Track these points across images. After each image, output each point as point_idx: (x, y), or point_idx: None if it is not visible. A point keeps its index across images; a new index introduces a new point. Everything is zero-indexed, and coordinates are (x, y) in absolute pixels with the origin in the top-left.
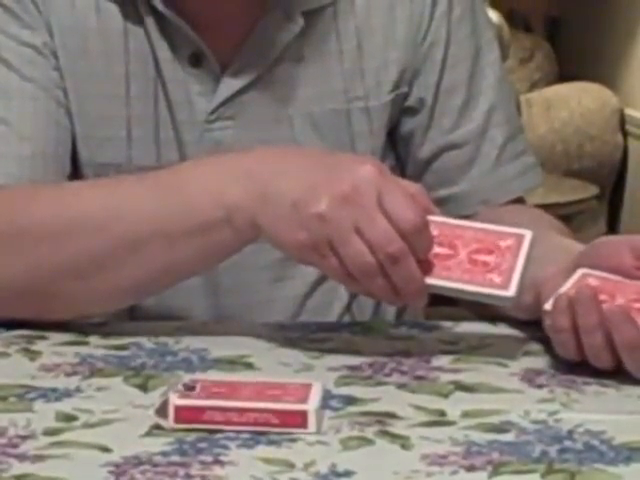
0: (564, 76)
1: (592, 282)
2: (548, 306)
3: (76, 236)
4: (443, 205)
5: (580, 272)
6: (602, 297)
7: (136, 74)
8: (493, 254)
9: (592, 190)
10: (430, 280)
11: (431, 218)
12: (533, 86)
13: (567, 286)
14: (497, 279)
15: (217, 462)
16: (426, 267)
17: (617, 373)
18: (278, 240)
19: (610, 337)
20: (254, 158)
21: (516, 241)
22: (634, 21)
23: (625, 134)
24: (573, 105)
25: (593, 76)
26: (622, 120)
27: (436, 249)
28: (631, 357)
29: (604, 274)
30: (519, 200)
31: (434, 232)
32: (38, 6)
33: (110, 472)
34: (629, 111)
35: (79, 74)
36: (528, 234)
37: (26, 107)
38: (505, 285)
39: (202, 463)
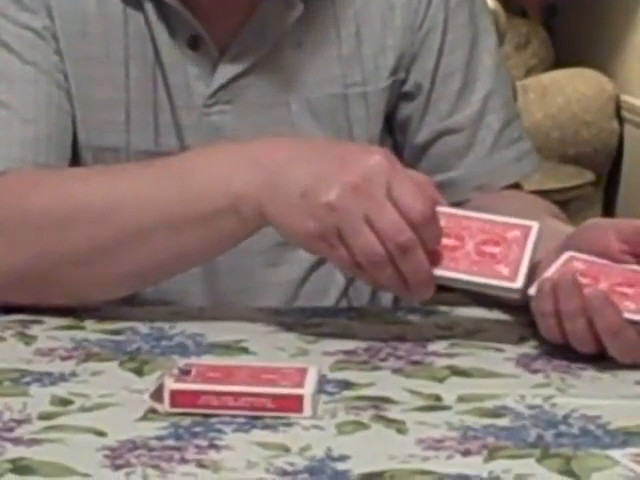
0: (560, 62)
1: (578, 265)
2: (532, 290)
3: (79, 223)
4: (439, 190)
5: (566, 255)
6: (586, 281)
7: (135, 58)
8: (500, 245)
9: (588, 176)
10: (438, 271)
11: (438, 209)
12: (529, 72)
13: (552, 270)
14: (504, 270)
15: (212, 446)
16: (434, 258)
17: (612, 358)
18: (286, 229)
19: (592, 322)
20: (262, 147)
21: (523, 232)
22: (631, 7)
23: (621, 120)
24: (569, 91)
25: (589, 62)
26: (618, 106)
27: (443, 240)
28: (613, 342)
29: (590, 257)
30: (515, 186)
31: (441, 223)
32: None
33: (105, 456)
34: (625, 97)
35: (79, 57)
36: (535, 225)
37: (27, 91)
38: (512, 276)
39: (197, 447)
